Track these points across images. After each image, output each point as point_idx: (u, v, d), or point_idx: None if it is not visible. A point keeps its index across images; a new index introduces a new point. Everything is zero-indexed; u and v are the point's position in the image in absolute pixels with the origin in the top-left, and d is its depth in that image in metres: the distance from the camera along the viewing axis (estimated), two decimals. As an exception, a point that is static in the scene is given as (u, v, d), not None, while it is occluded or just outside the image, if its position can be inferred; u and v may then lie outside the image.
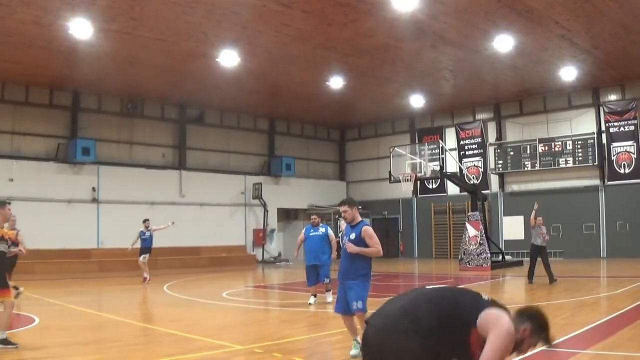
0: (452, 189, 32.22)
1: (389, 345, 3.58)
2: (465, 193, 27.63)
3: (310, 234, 13.88)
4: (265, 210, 33.51)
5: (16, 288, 14.34)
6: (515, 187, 31.52)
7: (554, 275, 17.22)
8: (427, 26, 19.95)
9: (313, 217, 14.35)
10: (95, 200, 27.60)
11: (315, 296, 13.81)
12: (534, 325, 3.77)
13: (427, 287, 4.04)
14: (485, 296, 3.88)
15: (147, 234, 20.79)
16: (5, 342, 8.66)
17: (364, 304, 8.04)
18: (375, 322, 3.82)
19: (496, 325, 3.56)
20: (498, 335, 3.52)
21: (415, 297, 3.88)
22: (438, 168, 26.39)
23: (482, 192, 27.18)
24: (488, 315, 3.63)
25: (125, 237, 26.75)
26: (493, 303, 3.80)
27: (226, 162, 33.77)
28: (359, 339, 6.84)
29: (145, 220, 21.04)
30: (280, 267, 30.32)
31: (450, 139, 33.66)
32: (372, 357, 3.73)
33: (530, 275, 17.60)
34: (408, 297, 3.90)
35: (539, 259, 17.65)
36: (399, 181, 25.67)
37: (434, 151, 29.64)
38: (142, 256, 20.54)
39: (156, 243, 28.47)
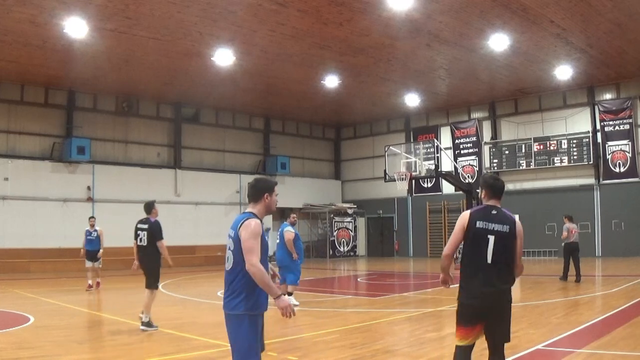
0: (448, 188, 32.25)
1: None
2: (461, 192, 27.66)
3: (298, 234, 13.99)
4: (261, 209, 33.45)
5: None
6: (510, 186, 31.53)
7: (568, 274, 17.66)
8: (422, 25, 19.97)
9: (293, 215, 14.53)
10: (90, 199, 27.55)
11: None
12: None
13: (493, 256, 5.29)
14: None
15: (94, 234, 18.15)
16: (149, 324, 10.23)
17: None
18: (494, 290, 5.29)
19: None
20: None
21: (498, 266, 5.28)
22: (433, 167, 26.45)
23: (477, 191, 27.20)
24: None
25: (121, 236, 26.77)
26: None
27: (221, 161, 33.76)
28: None
29: (90, 218, 18.81)
30: (275, 266, 30.27)
31: (446, 138, 33.70)
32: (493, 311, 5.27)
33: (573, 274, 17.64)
34: (495, 272, 5.27)
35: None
36: (394, 180, 25.69)
37: (429, 150, 29.76)
38: (94, 263, 17.99)
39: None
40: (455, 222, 5.50)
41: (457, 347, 5.35)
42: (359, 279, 21.29)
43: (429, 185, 34.18)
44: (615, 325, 9.60)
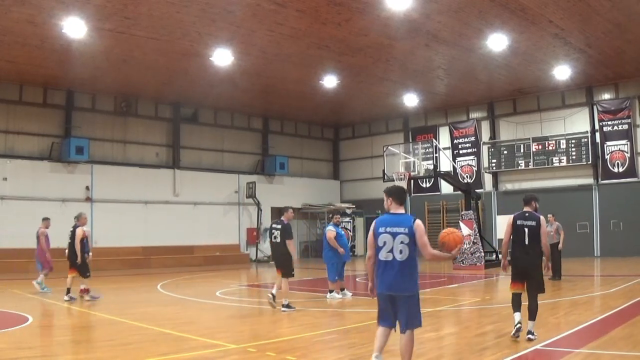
0: (446, 188, 32.26)
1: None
2: (459, 192, 27.65)
3: (342, 232, 15.11)
4: (259, 209, 33.49)
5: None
6: (509, 186, 31.59)
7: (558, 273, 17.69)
8: (421, 25, 19.97)
9: (337, 216, 15.62)
10: (89, 199, 27.53)
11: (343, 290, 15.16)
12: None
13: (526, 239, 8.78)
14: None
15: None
16: (289, 306, 12.53)
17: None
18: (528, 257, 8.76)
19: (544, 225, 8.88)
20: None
21: (531, 246, 8.73)
22: (432, 167, 26.39)
23: (476, 191, 27.20)
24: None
25: (119, 236, 26.83)
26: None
27: (220, 161, 33.75)
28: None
29: (78, 215, 16.53)
30: (273, 266, 30.24)
31: (444, 138, 33.71)
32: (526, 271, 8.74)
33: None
34: (529, 249, 8.71)
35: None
36: (393, 180, 25.66)
37: (427, 150, 29.71)
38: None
39: (152, 242, 28.67)
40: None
41: (513, 294, 8.87)
42: (357, 279, 21.28)
43: (428, 185, 34.19)
44: (614, 326, 9.59)
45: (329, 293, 14.87)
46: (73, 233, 15.11)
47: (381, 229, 6.34)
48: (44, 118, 27.15)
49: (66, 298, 14.43)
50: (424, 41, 21.64)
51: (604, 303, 12.87)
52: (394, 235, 6.26)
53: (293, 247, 13.03)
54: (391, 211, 6.54)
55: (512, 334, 8.62)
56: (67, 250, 15.28)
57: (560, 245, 17.76)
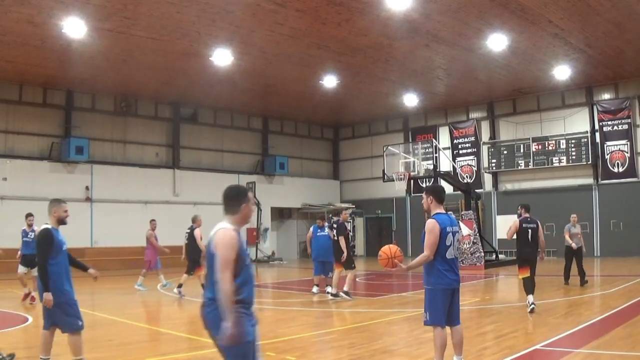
0: (446, 188, 32.03)
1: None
2: (459, 192, 27.65)
3: (318, 234, 15.90)
4: (259, 210, 33.43)
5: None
6: (508, 186, 31.58)
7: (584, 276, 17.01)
8: (421, 25, 19.96)
9: (318, 220, 16.47)
10: (89, 199, 27.51)
11: (318, 286, 15.99)
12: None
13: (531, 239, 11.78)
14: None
15: (31, 235, 14.67)
16: (347, 293, 14.47)
17: (427, 315, 6.85)
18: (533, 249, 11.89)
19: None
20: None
21: (533, 242, 11.88)
22: (431, 167, 26.43)
23: (476, 191, 27.22)
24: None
25: (119, 236, 26.80)
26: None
27: (220, 161, 33.73)
28: None
29: (28, 216, 15.45)
30: (273, 266, 30.29)
31: (444, 138, 33.70)
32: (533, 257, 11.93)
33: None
34: (532, 244, 11.87)
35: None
36: (393, 180, 25.69)
37: (427, 150, 29.74)
38: (31, 269, 14.37)
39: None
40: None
41: (523, 279, 11.65)
42: (357, 279, 21.26)
43: (428, 185, 34.16)
44: (613, 326, 9.60)
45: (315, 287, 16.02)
46: (190, 235, 16.24)
47: (448, 229, 6.65)
48: (44, 118, 27.12)
49: (175, 292, 15.99)
50: (424, 41, 21.63)
51: (604, 303, 12.88)
52: (454, 234, 6.73)
53: (343, 242, 14.81)
54: (436, 211, 6.81)
55: (528, 311, 11.25)
56: (183, 251, 16.92)
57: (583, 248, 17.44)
